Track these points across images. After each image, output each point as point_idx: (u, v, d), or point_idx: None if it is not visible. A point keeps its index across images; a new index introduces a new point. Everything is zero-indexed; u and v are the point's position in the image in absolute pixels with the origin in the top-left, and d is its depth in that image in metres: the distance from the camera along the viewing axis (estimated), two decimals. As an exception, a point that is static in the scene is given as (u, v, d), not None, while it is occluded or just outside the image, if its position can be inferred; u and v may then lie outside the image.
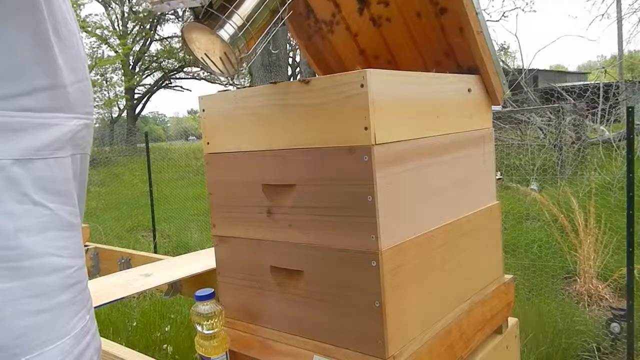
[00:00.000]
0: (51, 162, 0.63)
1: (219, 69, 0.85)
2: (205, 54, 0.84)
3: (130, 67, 20.85)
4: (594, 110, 7.80)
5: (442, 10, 1.08)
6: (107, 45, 20.29)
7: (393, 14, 1.15)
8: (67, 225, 0.65)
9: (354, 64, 1.25)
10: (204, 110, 1.04)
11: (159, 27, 21.29)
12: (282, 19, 0.91)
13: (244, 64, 0.88)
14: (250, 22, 0.82)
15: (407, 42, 1.18)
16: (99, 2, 20.18)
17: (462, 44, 1.08)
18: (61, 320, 0.63)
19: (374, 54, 1.25)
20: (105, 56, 20.10)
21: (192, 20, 0.81)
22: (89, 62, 20.39)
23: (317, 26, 1.24)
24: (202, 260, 1.54)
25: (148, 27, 20.55)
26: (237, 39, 0.81)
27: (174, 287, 1.50)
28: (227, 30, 0.80)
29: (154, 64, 21.83)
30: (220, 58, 0.83)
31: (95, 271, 1.96)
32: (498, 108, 8.68)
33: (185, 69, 21.84)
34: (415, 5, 1.11)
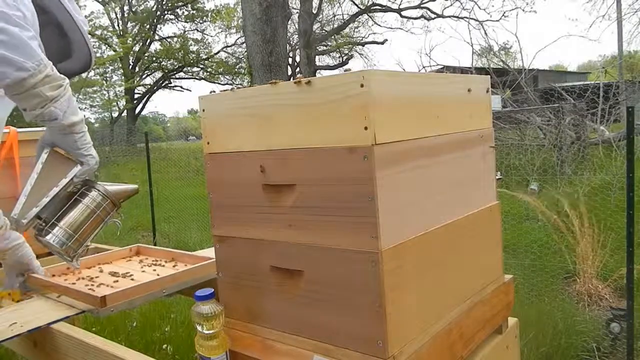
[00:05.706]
0: None
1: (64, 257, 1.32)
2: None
3: (130, 67, 20.83)
4: (594, 110, 7.80)
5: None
6: (107, 45, 20.27)
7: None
8: None
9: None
10: (204, 110, 1.04)
11: (158, 26, 21.28)
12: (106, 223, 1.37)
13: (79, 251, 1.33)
14: (78, 233, 1.30)
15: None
16: (98, 1, 20.17)
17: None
18: None
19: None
20: (105, 56, 20.07)
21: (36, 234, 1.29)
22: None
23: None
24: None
25: (147, 27, 20.54)
26: (66, 244, 1.29)
27: (174, 287, 1.50)
28: (55, 241, 1.27)
29: (154, 64, 21.83)
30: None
31: (95, 271, 1.95)
32: (498, 108, 8.69)
33: (185, 69, 21.85)
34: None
